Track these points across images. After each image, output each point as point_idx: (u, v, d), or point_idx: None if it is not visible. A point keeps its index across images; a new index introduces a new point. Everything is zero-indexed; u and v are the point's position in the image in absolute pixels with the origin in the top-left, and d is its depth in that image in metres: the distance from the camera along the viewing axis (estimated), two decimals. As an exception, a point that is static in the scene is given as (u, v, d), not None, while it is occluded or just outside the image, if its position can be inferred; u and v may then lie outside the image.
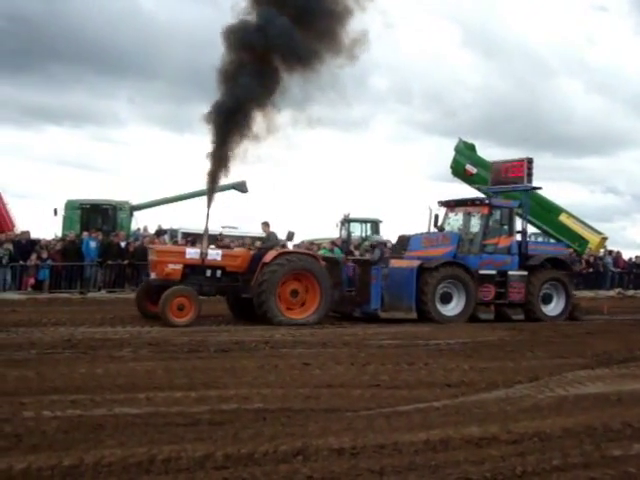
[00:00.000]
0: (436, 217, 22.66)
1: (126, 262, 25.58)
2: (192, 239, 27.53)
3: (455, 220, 22.91)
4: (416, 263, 20.56)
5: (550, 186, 67.13)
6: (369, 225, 37.67)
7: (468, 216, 22.53)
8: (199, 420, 8.45)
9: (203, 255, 18.42)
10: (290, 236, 20.97)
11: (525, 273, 21.83)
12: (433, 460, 7.20)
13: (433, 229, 22.51)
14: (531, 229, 30.85)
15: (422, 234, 22.34)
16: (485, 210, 21.88)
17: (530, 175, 22.98)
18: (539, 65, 78.12)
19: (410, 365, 12.70)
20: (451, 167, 34.44)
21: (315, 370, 11.89)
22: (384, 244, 26.37)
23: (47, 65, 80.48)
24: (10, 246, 24.33)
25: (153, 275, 18.55)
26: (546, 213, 32.78)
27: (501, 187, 24.21)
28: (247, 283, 18.59)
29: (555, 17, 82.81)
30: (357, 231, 36.86)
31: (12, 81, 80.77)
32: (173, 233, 33.96)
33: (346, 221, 35.89)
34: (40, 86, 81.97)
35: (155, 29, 69.69)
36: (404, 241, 22.15)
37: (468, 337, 17.01)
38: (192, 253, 18.55)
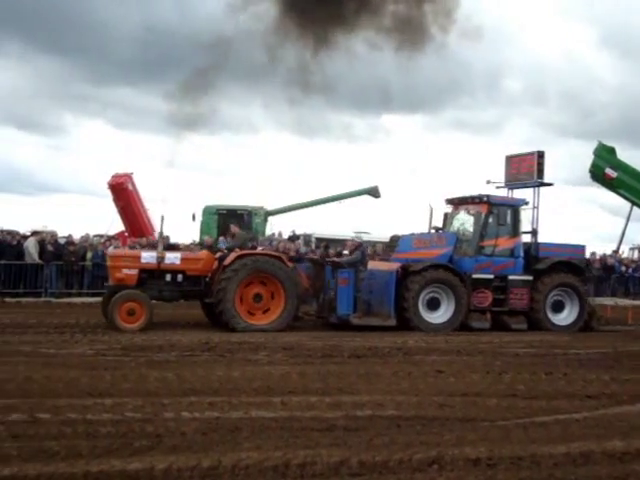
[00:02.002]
0: (445, 216, 21.21)
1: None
2: (325, 244, 27.71)
3: (457, 220, 21.18)
4: (396, 266, 19.15)
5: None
6: None
7: (468, 215, 20.77)
8: (334, 426, 8.47)
9: (159, 259, 17.68)
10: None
11: (530, 278, 19.90)
12: (573, 474, 6.95)
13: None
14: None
15: (414, 234, 20.85)
16: (484, 208, 19.98)
17: (541, 170, 21.07)
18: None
19: (548, 375, 12.34)
20: (590, 171, 33.26)
21: (449, 378, 11.73)
22: (365, 245, 23.46)
23: (181, 73, 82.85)
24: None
25: (110, 281, 18.00)
26: None
27: (512, 184, 22.13)
28: (210, 287, 17.83)
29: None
30: None
31: (153, 90, 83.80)
32: (307, 238, 34.32)
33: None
34: (178, 95, 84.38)
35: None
36: (395, 242, 20.78)
37: (609, 347, 16.41)
38: (147, 257, 17.76)
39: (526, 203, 20.91)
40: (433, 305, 18.92)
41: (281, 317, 17.60)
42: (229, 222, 32.67)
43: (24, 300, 23.49)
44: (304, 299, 19.15)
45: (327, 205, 35.45)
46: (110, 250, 20.92)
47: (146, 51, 66.64)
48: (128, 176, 34.84)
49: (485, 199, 19.99)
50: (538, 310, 19.76)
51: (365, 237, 34.22)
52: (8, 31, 75.69)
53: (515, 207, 20.32)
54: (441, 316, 18.93)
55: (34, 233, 27.69)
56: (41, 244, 25.40)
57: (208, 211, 33.18)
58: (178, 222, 34.64)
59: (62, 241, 27.07)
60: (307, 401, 9.65)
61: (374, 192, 34.66)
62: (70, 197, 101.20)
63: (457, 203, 21.07)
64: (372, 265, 19.87)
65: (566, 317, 20.23)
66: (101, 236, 31.18)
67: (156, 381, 10.57)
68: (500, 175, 22.44)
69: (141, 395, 9.59)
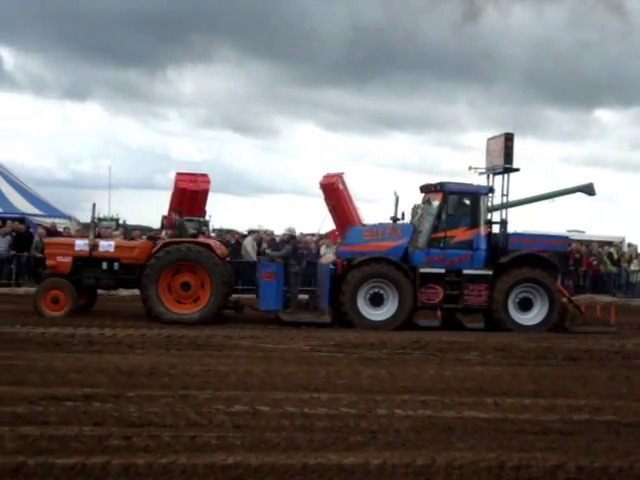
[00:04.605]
0: (413, 206, 19.27)
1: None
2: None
3: (420, 209, 19.01)
4: (331, 259, 18.09)
5: None
6: None
7: (427, 204, 18.70)
8: (549, 429, 8.31)
9: (91, 247, 17.27)
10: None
11: (488, 272, 17.71)
12: None
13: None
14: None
15: (365, 225, 19.19)
16: (439, 197, 18.05)
17: (509, 155, 18.53)
18: None
19: None
20: None
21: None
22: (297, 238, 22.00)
23: (391, 73, 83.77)
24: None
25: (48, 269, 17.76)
26: None
27: (490, 169, 19.51)
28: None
29: None
30: None
31: (359, 90, 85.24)
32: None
33: None
34: (385, 94, 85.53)
35: (494, 32, 69.47)
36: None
37: None
38: (81, 245, 17.36)
39: (491, 191, 19.01)
40: (376, 301, 17.45)
41: (207, 307, 16.82)
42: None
43: (242, 297, 24.53)
44: None
45: (539, 204, 34.50)
46: (48, 238, 20.68)
47: (353, 52, 67.79)
48: (339, 176, 35.51)
49: (439, 187, 18.25)
50: (497, 308, 17.62)
51: (578, 236, 33.19)
52: (226, 38, 79.70)
53: (475, 195, 18.26)
54: (383, 313, 17.41)
55: (251, 232, 28.89)
56: (258, 242, 26.45)
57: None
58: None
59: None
60: (521, 403, 9.52)
61: (589, 189, 33.32)
62: (283, 197, 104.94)
63: (424, 192, 19.13)
64: (323, 259, 19.08)
65: (534, 316, 17.85)
66: (313, 235, 32.01)
67: (369, 378, 10.77)
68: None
69: (355, 391, 9.81)
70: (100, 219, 44.27)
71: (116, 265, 17.30)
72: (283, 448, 7.20)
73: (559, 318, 17.96)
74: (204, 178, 38.41)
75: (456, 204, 17.87)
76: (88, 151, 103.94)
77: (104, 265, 17.31)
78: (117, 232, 27.77)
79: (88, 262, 17.31)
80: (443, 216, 17.90)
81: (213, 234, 28.54)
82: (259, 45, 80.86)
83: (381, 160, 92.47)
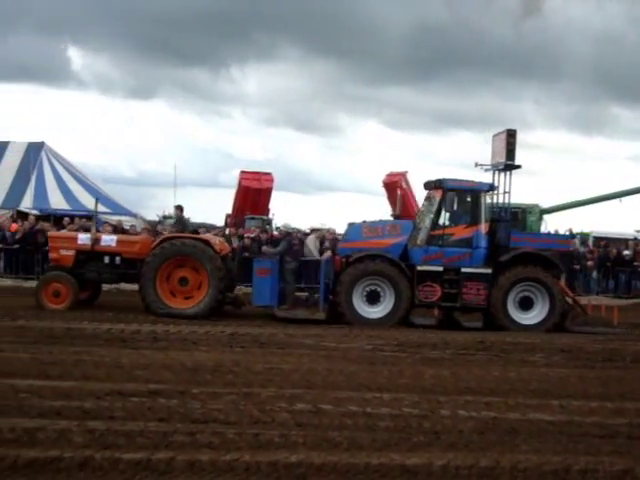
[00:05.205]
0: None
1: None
2: (605, 243, 26.61)
3: (423, 207, 18.88)
4: (326, 256, 18.23)
5: None
6: None
7: (428, 201, 18.44)
8: (617, 432, 8.16)
9: (93, 241, 17.51)
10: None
11: (488, 271, 17.34)
12: None
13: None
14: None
15: (365, 222, 18.73)
16: (438, 194, 17.74)
17: (511, 151, 18.12)
18: None
19: None
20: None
21: None
22: (293, 235, 21.57)
23: (455, 71, 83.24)
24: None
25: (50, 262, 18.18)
26: None
27: (495, 166, 19.05)
28: None
29: None
30: None
31: (424, 88, 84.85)
32: (583, 237, 33.10)
33: None
34: (450, 92, 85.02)
35: (558, 28, 68.51)
36: None
37: None
38: (84, 239, 17.63)
39: (493, 188, 18.56)
40: (373, 299, 17.25)
41: (203, 302, 16.88)
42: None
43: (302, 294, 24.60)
44: None
45: (606, 203, 33.92)
46: (50, 232, 21.06)
47: (418, 50, 67.52)
48: (402, 175, 35.49)
49: (439, 184, 17.92)
50: (496, 307, 17.24)
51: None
52: (290, 36, 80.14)
53: (475, 192, 17.89)
54: (380, 311, 17.18)
55: (313, 230, 28.96)
56: (320, 241, 26.47)
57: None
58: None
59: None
60: (587, 406, 9.37)
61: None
62: (346, 195, 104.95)
63: (427, 188, 18.83)
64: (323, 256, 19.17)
65: (535, 316, 17.42)
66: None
67: (432, 378, 10.70)
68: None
69: (417, 391, 9.76)
70: (165, 217, 44.88)
71: (118, 259, 17.59)
72: (346, 447, 7.20)
73: (559, 318, 17.56)
74: (268, 176, 38.81)
75: (455, 201, 17.59)
76: (153, 149, 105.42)
77: (106, 259, 17.59)
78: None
79: (91, 256, 17.62)
80: (442, 213, 17.74)
81: (276, 232, 28.64)
82: (324, 43, 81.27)
83: (445, 158, 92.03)
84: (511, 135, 18.27)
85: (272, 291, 17.64)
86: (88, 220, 26.48)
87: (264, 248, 20.82)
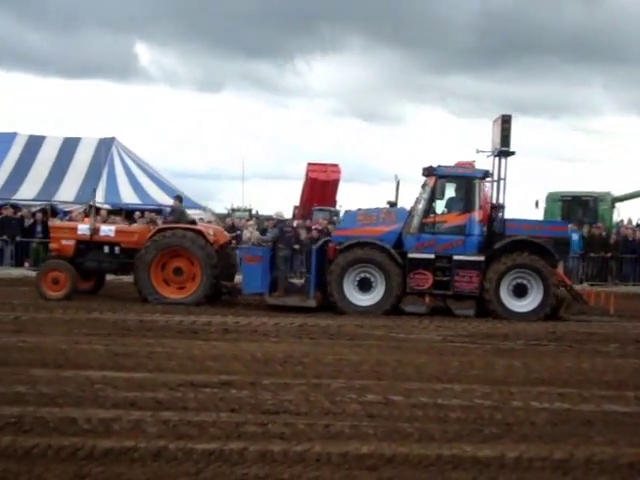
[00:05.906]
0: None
1: (609, 255, 25.06)
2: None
3: (419, 193, 18.21)
4: (318, 243, 18.06)
5: None
6: None
7: (423, 188, 17.87)
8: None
9: (92, 231, 17.70)
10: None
11: (480, 258, 16.90)
12: None
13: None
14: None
15: (360, 210, 18.35)
16: (431, 181, 17.32)
17: (506, 137, 17.60)
18: None
19: None
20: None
21: None
22: (286, 223, 21.06)
23: (521, 58, 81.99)
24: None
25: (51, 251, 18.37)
26: None
27: (487, 151, 18.60)
28: None
29: None
30: None
31: (490, 76, 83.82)
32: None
33: None
34: (515, 79, 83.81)
35: (627, 11, 66.97)
36: None
37: None
38: (83, 229, 17.82)
39: (487, 175, 18.02)
40: (365, 287, 17.01)
41: (196, 291, 17.07)
42: (573, 209, 31.84)
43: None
44: None
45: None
46: (52, 221, 21.49)
47: (483, 37, 66.69)
48: (470, 164, 35.10)
49: (432, 171, 17.52)
50: (489, 294, 16.79)
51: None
52: (354, 27, 79.95)
53: (469, 179, 17.55)
54: (371, 298, 16.93)
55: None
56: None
57: (552, 198, 32.39)
58: (522, 208, 34.13)
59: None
60: (664, 397, 9.17)
61: None
62: (413, 185, 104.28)
63: (424, 175, 18.19)
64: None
65: (528, 303, 16.92)
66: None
67: (503, 369, 10.60)
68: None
69: (489, 382, 9.68)
70: (234, 210, 45.29)
71: (117, 249, 17.90)
72: (417, 438, 7.18)
73: (557, 306, 17.20)
74: (335, 168, 38.79)
75: (447, 188, 17.39)
76: (221, 143, 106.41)
77: (105, 249, 17.94)
78: (251, 222, 28.30)
79: (90, 246, 17.93)
80: (434, 200, 17.45)
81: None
82: (388, 33, 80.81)
83: (512, 146, 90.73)
84: (506, 121, 17.90)
85: (263, 279, 17.46)
86: (157, 214, 26.95)
87: (256, 235, 21.21)
